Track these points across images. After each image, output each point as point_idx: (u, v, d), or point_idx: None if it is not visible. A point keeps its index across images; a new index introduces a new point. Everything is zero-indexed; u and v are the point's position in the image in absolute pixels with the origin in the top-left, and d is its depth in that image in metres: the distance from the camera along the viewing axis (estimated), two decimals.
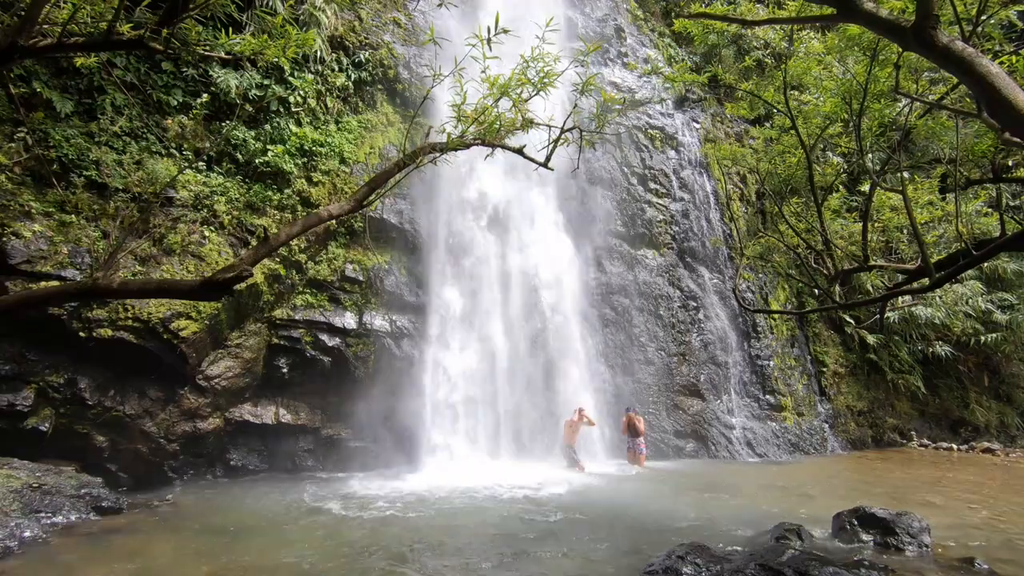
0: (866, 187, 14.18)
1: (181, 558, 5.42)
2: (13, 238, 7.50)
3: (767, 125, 13.44)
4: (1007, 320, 15.70)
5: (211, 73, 9.53)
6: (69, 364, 8.03)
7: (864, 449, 14.37)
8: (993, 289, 16.50)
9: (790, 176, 10.72)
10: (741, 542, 5.85)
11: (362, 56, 11.29)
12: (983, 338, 15.76)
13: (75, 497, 6.82)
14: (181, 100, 9.35)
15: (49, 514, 6.35)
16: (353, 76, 11.18)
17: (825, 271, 7.98)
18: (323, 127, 10.62)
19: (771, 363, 13.80)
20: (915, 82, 7.48)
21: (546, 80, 5.07)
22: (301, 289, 9.96)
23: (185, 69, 9.46)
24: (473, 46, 4.86)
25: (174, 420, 8.77)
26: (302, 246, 9.91)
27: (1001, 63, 5.76)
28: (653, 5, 17.23)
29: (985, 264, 15.48)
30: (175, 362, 8.54)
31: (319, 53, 10.51)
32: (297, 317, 9.78)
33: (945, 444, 14.95)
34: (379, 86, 11.57)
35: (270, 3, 9.93)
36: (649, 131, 14.44)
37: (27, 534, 5.83)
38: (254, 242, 9.37)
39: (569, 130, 5.49)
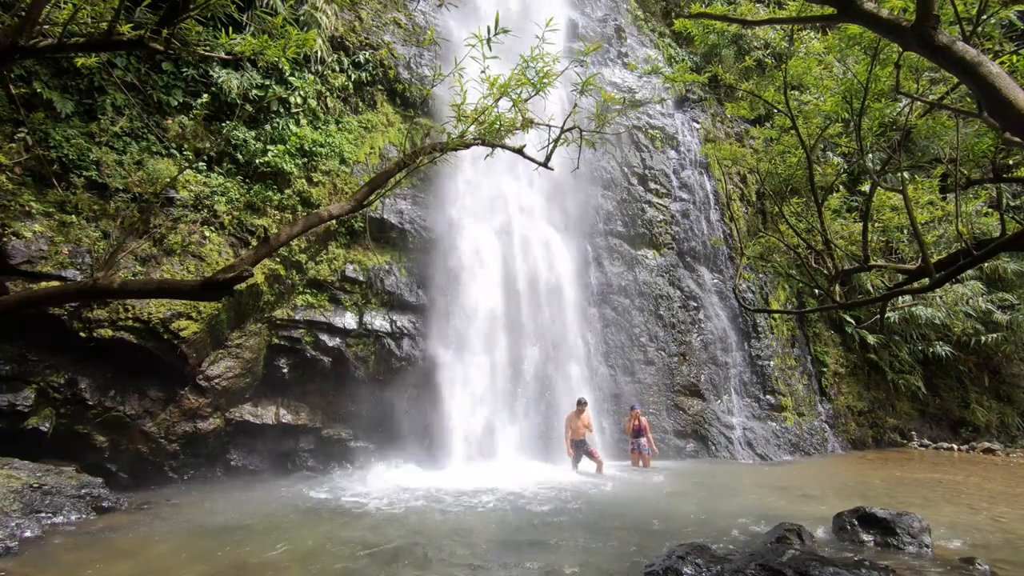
0: (866, 187, 14.18)
1: (181, 558, 5.42)
2: (13, 238, 7.50)
3: (767, 125, 13.43)
4: (1007, 320, 15.69)
5: (211, 73, 9.54)
6: (69, 364, 8.03)
7: (864, 449, 14.36)
8: (993, 289, 16.50)
9: (790, 176, 10.72)
10: (741, 542, 5.85)
11: (362, 56, 11.29)
12: (983, 338, 15.76)
13: (75, 497, 6.82)
14: (181, 100, 9.35)
15: (50, 514, 6.36)
16: (353, 76, 11.18)
17: (825, 271, 7.98)
18: (323, 127, 10.62)
19: (771, 363, 13.80)
20: (916, 82, 7.48)
21: (545, 80, 5.08)
22: (301, 289, 9.96)
23: (185, 69, 9.46)
24: (473, 46, 4.87)
25: (174, 420, 8.77)
26: (302, 246, 9.92)
27: (1001, 63, 5.76)
28: (653, 5, 17.24)
29: (985, 264, 15.49)
30: (175, 362, 8.54)
31: (319, 53, 10.51)
32: (297, 317, 9.78)
33: (946, 444, 14.94)
34: (379, 86, 11.57)
35: (270, 3, 9.94)
36: (649, 131, 14.44)
37: (28, 534, 5.84)
38: (254, 242, 9.37)
39: (569, 130, 5.50)
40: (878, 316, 8.77)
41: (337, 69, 11.03)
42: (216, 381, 9.00)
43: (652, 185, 14.07)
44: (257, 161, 9.79)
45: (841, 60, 7.90)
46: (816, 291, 13.66)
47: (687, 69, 11.85)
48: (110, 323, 8.00)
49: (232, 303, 9.09)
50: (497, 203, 12.20)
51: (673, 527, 6.49)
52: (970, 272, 15.52)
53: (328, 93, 10.84)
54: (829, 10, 4.67)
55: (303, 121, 10.40)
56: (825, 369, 14.75)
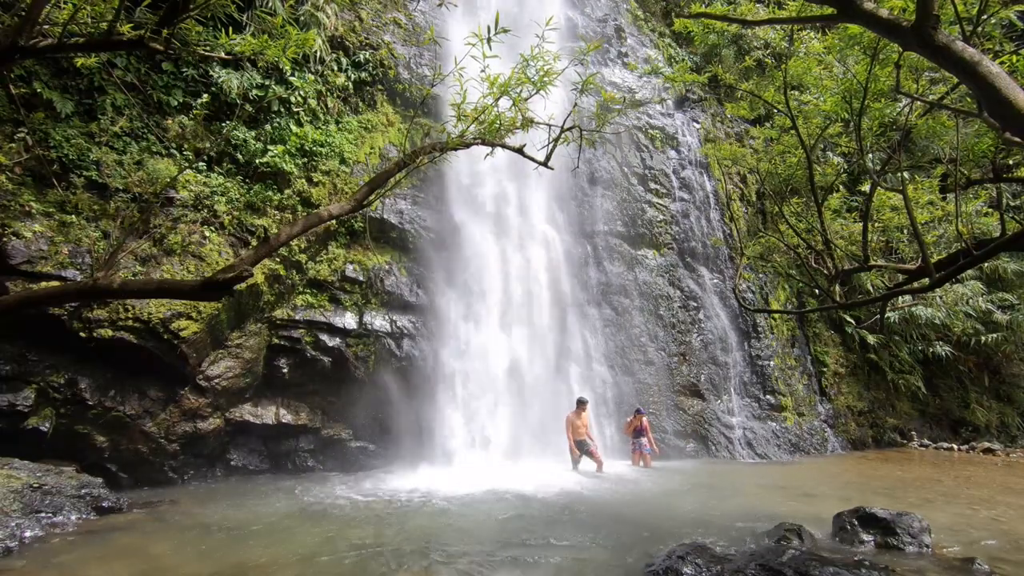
0: (866, 187, 14.19)
1: (181, 558, 5.41)
2: (13, 238, 7.50)
3: (767, 125, 13.44)
4: (1007, 320, 15.69)
5: (211, 73, 9.54)
6: (70, 364, 8.03)
7: (865, 449, 14.35)
8: (993, 289, 16.49)
9: (790, 176, 10.73)
10: (741, 542, 5.85)
11: (362, 56, 11.29)
12: (983, 338, 15.76)
13: (76, 497, 6.82)
14: (181, 100, 9.35)
15: (50, 514, 6.35)
16: (353, 76, 11.18)
17: (825, 271, 7.98)
18: (323, 127, 10.62)
19: (771, 363, 13.79)
20: (915, 81, 7.48)
21: (546, 79, 5.08)
22: (301, 289, 9.96)
23: (185, 69, 9.46)
24: (473, 46, 4.87)
25: (174, 420, 8.77)
26: (302, 246, 9.92)
27: (1001, 63, 5.76)
28: (653, 5, 17.24)
29: (985, 264, 15.49)
30: (175, 362, 8.54)
31: (319, 53, 10.51)
32: (297, 317, 9.78)
33: (945, 444, 14.94)
34: (379, 86, 11.57)
35: (270, 3, 9.94)
36: (649, 131, 14.43)
37: (28, 534, 5.84)
38: (254, 242, 9.37)
39: (569, 129, 5.50)
40: (878, 316, 8.78)
41: (337, 69, 11.03)
42: (216, 381, 9.00)
43: (652, 185, 14.06)
44: (257, 161, 9.79)
45: (841, 60, 7.90)
46: (816, 291, 13.66)
47: (687, 69, 11.87)
48: (110, 323, 8.00)
49: (232, 303, 9.08)
50: (497, 203, 12.19)
51: (673, 527, 6.49)
52: (970, 272, 15.53)
53: (328, 93, 10.84)
54: (829, 10, 4.67)
55: (303, 121, 10.40)
56: (825, 369, 14.75)
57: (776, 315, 14.29)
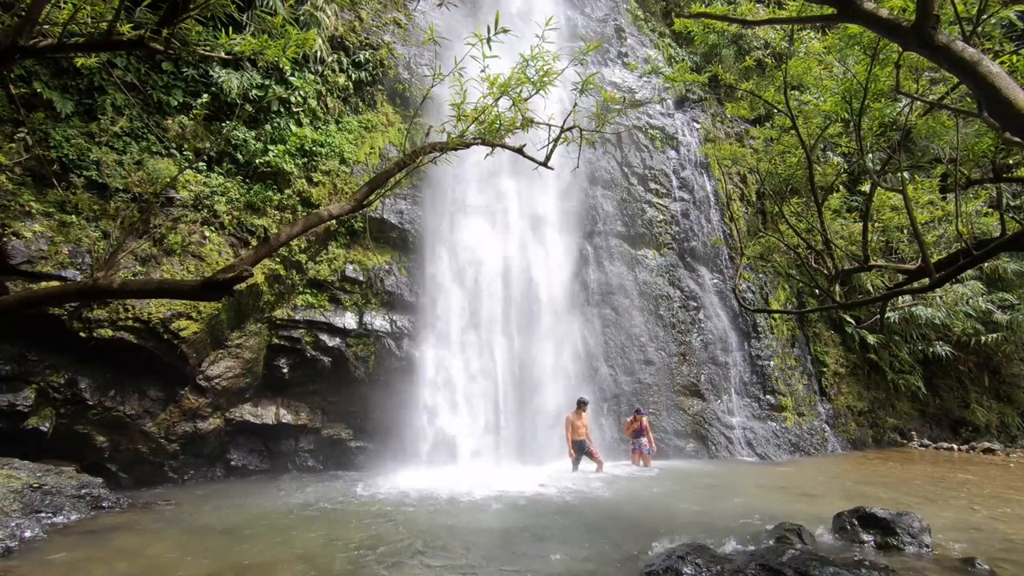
0: (866, 187, 14.19)
1: (181, 558, 5.41)
2: (13, 238, 7.50)
3: (767, 125, 13.44)
4: (1007, 320, 15.69)
5: (211, 73, 9.54)
6: (70, 364, 8.03)
7: (864, 449, 14.36)
8: (993, 289, 16.49)
9: (790, 176, 10.74)
10: (741, 542, 5.85)
11: (362, 56, 11.29)
12: (983, 338, 15.76)
13: (76, 497, 6.82)
14: (181, 100, 9.35)
15: (50, 514, 6.36)
16: (353, 76, 11.19)
17: (825, 271, 7.99)
18: (323, 127, 10.62)
19: (771, 363, 13.79)
20: (916, 82, 7.48)
21: (546, 79, 5.08)
22: (301, 289, 9.96)
23: (185, 69, 9.46)
24: (473, 46, 4.87)
25: (174, 420, 8.77)
26: (302, 246, 9.92)
27: (1001, 63, 5.76)
28: (653, 5, 17.24)
29: (985, 264, 15.49)
30: (175, 362, 8.54)
31: (319, 53, 10.51)
32: (297, 317, 9.78)
33: (946, 444, 14.94)
34: (379, 86, 11.57)
35: (270, 3, 9.93)
36: (649, 131, 14.43)
37: (28, 534, 5.84)
38: (254, 242, 9.37)
39: (569, 129, 5.50)
40: (878, 316, 8.78)
41: (337, 69, 11.03)
42: (216, 381, 9.00)
43: (652, 185, 14.06)
44: (257, 161, 9.79)
45: (841, 60, 7.91)
46: (816, 291, 13.66)
47: (687, 69, 11.88)
48: (110, 323, 8.00)
49: (232, 303, 9.08)
50: (497, 203, 12.20)
51: (673, 527, 6.49)
52: (970, 272, 15.53)
53: (328, 93, 10.84)
54: (829, 10, 4.68)
55: (303, 121, 10.40)
56: (825, 369, 14.75)
57: (776, 315, 14.29)
